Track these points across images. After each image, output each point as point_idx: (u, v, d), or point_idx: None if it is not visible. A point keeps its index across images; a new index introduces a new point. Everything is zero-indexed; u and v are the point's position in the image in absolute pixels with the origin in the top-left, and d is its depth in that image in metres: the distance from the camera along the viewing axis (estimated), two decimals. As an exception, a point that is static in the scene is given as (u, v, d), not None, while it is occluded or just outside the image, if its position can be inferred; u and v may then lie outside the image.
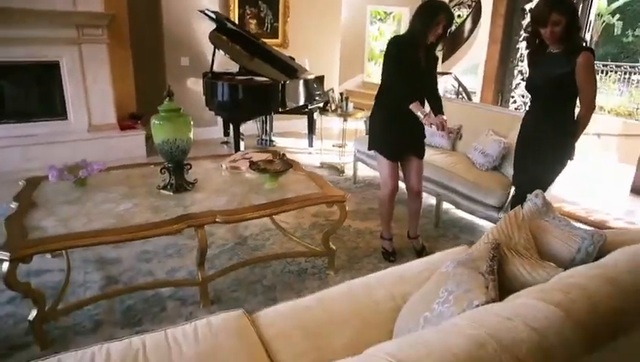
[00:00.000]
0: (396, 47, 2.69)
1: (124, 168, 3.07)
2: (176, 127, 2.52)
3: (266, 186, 2.69)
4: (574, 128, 2.46)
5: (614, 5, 12.03)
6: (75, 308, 2.29)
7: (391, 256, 3.02)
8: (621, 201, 4.36)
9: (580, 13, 4.56)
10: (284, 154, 2.92)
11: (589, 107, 2.39)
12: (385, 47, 2.74)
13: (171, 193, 2.60)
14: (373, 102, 2.92)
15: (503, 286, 1.32)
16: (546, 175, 2.60)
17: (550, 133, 2.52)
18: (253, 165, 2.72)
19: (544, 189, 2.60)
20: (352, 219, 3.61)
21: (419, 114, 2.61)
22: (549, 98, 2.50)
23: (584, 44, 2.42)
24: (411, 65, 2.68)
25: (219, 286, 2.64)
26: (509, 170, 3.14)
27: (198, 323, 1.54)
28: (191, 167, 2.72)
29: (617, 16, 12.12)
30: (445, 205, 3.62)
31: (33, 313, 2.05)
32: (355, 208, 3.87)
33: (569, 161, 2.55)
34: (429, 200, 3.75)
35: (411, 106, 2.62)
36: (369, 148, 2.98)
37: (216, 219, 2.30)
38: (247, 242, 3.23)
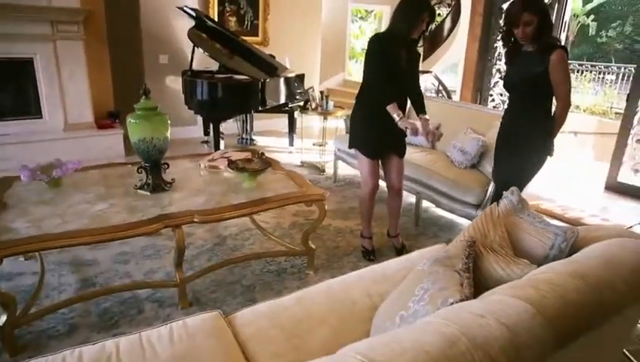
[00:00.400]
0: (378, 44, 2.67)
1: (101, 168, 3.00)
2: (153, 126, 2.48)
3: (245, 185, 2.67)
4: (551, 125, 2.49)
5: (589, 6, 12.29)
6: (48, 312, 2.23)
7: (371, 255, 3.03)
8: (596, 198, 4.46)
9: (555, 13, 4.65)
10: (262, 153, 2.91)
11: (565, 104, 2.42)
12: (366, 44, 2.73)
13: (148, 193, 2.56)
14: (354, 101, 2.92)
15: (479, 283, 1.33)
16: (523, 171, 2.62)
17: (527, 129, 2.55)
18: (232, 164, 2.69)
19: (522, 185, 2.65)
20: (332, 218, 3.61)
21: (394, 116, 2.61)
22: (526, 95, 2.53)
23: (558, 43, 2.43)
24: (393, 63, 2.67)
25: (197, 287, 2.61)
26: (488, 168, 3.19)
27: (173, 324, 1.52)
28: (168, 167, 2.68)
29: (592, 17, 12.40)
30: (425, 203, 3.65)
31: (3, 318, 2.00)
32: (336, 207, 3.87)
33: (548, 157, 2.58)
34: (408, 198, 3.77)
35: (388, 108, 2.62)
36: (350, 147, 2.97)
37: (194, 219, 2.27)
38: (227, 242, 3.20)
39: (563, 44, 2.49)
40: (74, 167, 2.68)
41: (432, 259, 1.38)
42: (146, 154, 2.52)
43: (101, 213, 2.31)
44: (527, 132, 2.56)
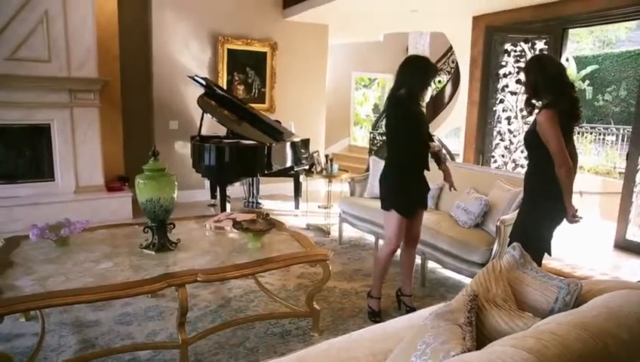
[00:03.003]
0: (406, 106, 2.76)
1: (108, 228, 3.06)
2: (160, 187, 2.55)
3: (250, 246, 2.69)
4: (553, 187, 2.42)
5: (583, 72, 12.76)
6: (45, 375, 2.19)
7: (377, 316, 2.96)
8: (606, 257, 4.39)
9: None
10: (267, 214, 2.94)
11: (559, 162, 2.34)
12: (390, 107, 2.83)
13: (153, 252, 2.58)
14: (385, 165, 2.95)
15: (482, 336, 1.31)
16: (530, 231, 2.55)
17: (527, 191, 2.59)
18: (237, 224, 2.73)
19: (529, 243, 2.60)
20: (337, 280, 3.57)
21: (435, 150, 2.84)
22: (529, 157, 2.60)
23: (553, 102, 2.40)
24: (423, 123, 2.85)
25: (200, 349, 2.56)
26: (492, 227, 3.19)
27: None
28: (174, 227, 2.72)
29: (587, 82, 12.83)
30: (432, 264, 3.61)
31: (0, 379, 1.96)
32: (341, 269, 3.84)
33: (558, 220, 2.50)
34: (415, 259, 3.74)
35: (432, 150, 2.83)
36: (385, 208, 2.88)
37: (198, 278, 2.27)
38: (231, 304, 3.16)
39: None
40: (82, 227, 2.73)
41: (433, 313, 1.36)
42: (152, 214, 2.57)
43: (105, 272, 2.32)
44: (528, 194, 2.59)
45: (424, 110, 2.92)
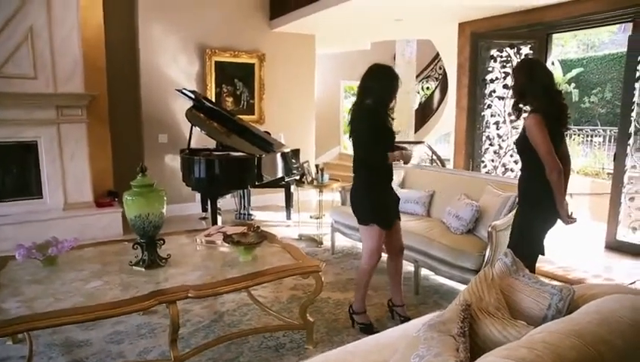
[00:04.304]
0: (373, 118, 2.73)
1: (97, 245, 3.01)
2: (149, 202, 2.52)
3: (241, 259, 2.66)
4: (545, 190, 2.43)
5: (569, 75, 12.93)
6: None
7: (371, 329, 2.90)
8: (598, 258, 4.41)
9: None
10: (258, 227, 2.92)
11: (549, 166, 2.36)
12: (359, 121, 2.75)
13: (143, 269, 2.55)
14: (354, 180, 2.90)
15: (476, 347, 1.30)
16: (525, 233, 2.59)
17: (527, 193, 2.58)
18: (227, 238, 2.70)
19: (525, 245, 2.57)
20: (331, 291, 3.55)
21: (397, 157, 2.75)
22: (522, 160, 2.62)
23: (541, 107, 2.42)
24: (391, 131, 2.83)
25: (193, 366, 2.51)
26: (483, 233, 3.19)
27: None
28: (164, 242, 2.69)
29: (573, 85, 13.00)
30: (425, 271, 3.60)
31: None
32: (334, 279, 3.81)
33: (551, 222, 2.53)
34: (407, 267, 3.72)
35: (394, 158, 2.75)
36: (363, 223, 2.83)
37: (189, 294, 2.24)
38: (224, 318, 3.12)
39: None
40: (70, 245, 2.68)
41: (426, 324, 1.35)
42: (141, 230, 2.54)
43: (94, 291, 2.29)
44: (522, 198, 2.62)
45: (392, 120, 2.88)
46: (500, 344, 1.24)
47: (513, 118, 2.70)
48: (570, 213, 2.52)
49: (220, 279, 2.41)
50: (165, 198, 2.63)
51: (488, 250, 2.99)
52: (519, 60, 4.53)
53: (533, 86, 2.44)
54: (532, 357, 0.92)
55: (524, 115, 2.55)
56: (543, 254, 2.65)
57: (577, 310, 1.31)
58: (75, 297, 2.20)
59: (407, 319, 2.98)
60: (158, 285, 2.35)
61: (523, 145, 2.47)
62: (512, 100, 2.60)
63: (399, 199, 3.05)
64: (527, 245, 2.55)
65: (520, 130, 2.58)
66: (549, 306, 1.43)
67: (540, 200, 2.48)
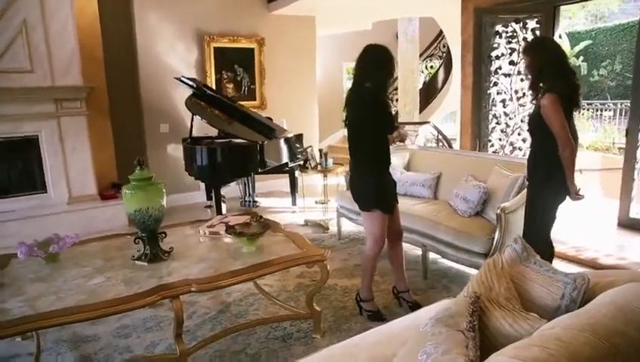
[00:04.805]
0: (378, 101, 2.66)
1: (100, 240, 2.98)
2: (148, 196, 2.47)
3: (244, 250, 2.62)
4: (555, 167, 2.50)
5: (577, 48, 12.63)
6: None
7: (379, 316, 2.87)
8: (610, 236, 4.32)
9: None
10: (261, 216, 2.87)
11: (563, 143, 2.43)
12: (359, 105, 2.68)
13: (146, 263, 2.51)
14: (352, 166, 2.87)
15: (487, 340, 1.25)
16: (533, 211, 2.67)
17: (531, 172, 2.66)
18: (230, 229, 2.65)
19: (532, 229, 2.68)
20: (338, 278, 3.51)
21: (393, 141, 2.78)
22: (533, 139, 2.67)
23: (556, 86, 2.44)
24: (391, 114, 2.78)
25: (200, 359, 2.50)
26: (492, 215, 3.12)
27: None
28: (166, 236, 2.65)
29: (581, 58, 12.71)
30: (433, 255, 3.55)
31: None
32: (341, 265, 3.77)
33: (561, 198, 2.60)
34: (414, 251, 3.68)
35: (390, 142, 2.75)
36: (364, 209, 2.78)
37: (191, 289, 2.21)
38: (230, 309, 3.10)
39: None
40: (72, 241, 2.65)
41: (433, 318, 1.30)
42: (142, 224, 2.50)
43: (97, 288, 2.26)
44: (531, 175, 2.67)
45: (395, 102, 2.86)
46: (511, 338, 1.19)
47: (529, 96, 2.79)
48: (578, 190, 2.58)
49: (223, 271, 2.37)
50: (165, 191, 2.58)
51: (497, 232, 2.92)
52: (532, 39, 4.39)
53: (551, 63, 2.48)
54: (545, 356, 0.87)
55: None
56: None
57: (592, 301, 1.24)
58: (78, 295, 2.17)
59: (414, 304, 2.97)
60: (161, 279, 2.31)
61: (537, 123, 2.51)
62: (529, 80, 2.63)
63: (396, 183, 2.99)
64: (539, 221, 2.64)
65: (533, 109, 2.64)
66: (562, 296, 1.36)
67: (550, 175, 2.54)
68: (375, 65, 2.64)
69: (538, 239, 2.67)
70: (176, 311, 2.19)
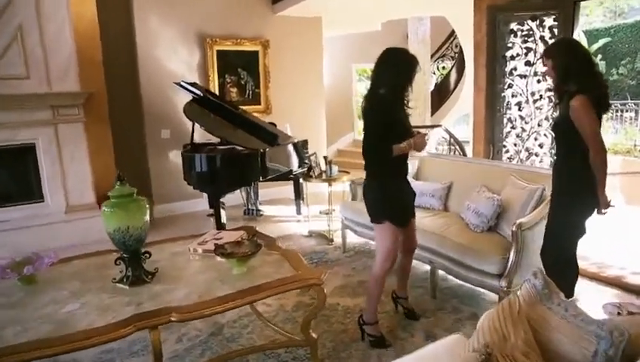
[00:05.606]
0: (389, 110, 2.50)
1: (83, 258, 2.78)
2: (129, 214, 2.26)
3: (235, 272, 2.39)
4: (584, 178, 2.31)
5: (595, 46, 12.20)
6: None
7: (382, 342, 2.64)
8: (637, 250, 4.00)
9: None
10: (254, 234, 2.65)
11: (595, 148, 2.24)
12: (371, 112, 2.51)
13: (127, 287, 2.30)
14: (365, 175, 2.68)
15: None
16: (558, 225, 2.46)
17: (564, 179, 2.43)
18: (219, 249, 2.44)
19: (555, 245, 2.47)
20: (340, 296, 3.28)
21: (406, 149, 2.52)
22: (559, 145, 2.48)
23: (585, 88, 2.26)
24: (406, 125, 2.61)
25: (185, 391, 2.29)
26: (507, 231, 2.85)
27: None
28: (150, 256, 2.44)
29: (599, 56, 12.27)
30: (442, 272, 3.29)
31: None
32: (344, 282, 3.54)
33: (589, 212, 2.40)
34: (423, 267, 3.43)
35: (402, 150, 2.51)
36: (376, 222, 2.59)
37: (171, 319, 1.99)
38: (223, 331, 2.89)
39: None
40: (49, 262, 2.47)
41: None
42: (122, 245, 2.29)
43: (69, 316, 2.06)
44: (557, 184, 2.46)
45: (410, 110, 2.61)
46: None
47: (554, 100, 2.61)
48: (609, 201, 2.37)
49: (209, 297, 2.15)
50: (148, 207, 2.38)
51: (513, 252, 2.65)
52: (554, 40, 4.12)
53: (579, 62, 2.31)
54: None
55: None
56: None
57: (635, 364, 0.99)
58: (47, 324, 1.97)
59: (410, 311, 2.93)
60: (140, 307, 2.10)
61: (564, 128, 2.31)
62: (554, 83, 2.45)
63: (415, 194, 2.80)
64: (564, 239, 2.45)
65: (559, 113, 2.45)
66: (595, 353, 1.11)
67: (579, 187, 2.34)
68: (391, 70, 2.48)
69: (560, 258, 2.44)
70: (154, 343, 1.99)
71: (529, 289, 1.42)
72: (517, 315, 1.28)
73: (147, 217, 2.36)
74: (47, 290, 2.32)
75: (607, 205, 2.37)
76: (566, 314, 1.27)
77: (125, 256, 2.34)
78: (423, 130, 2.89)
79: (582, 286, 3.01)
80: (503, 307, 1.33)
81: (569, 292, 2.45)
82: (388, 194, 2.58)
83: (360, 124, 10.14)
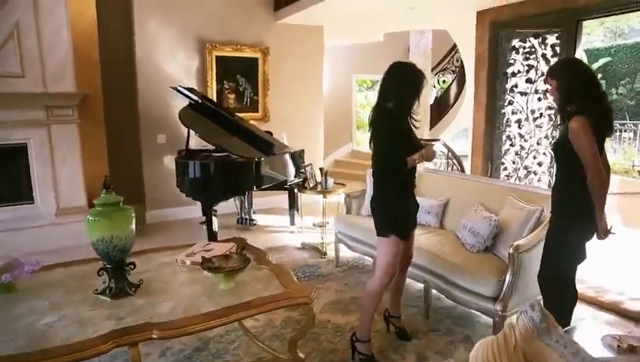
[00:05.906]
0: (395, 124, 2.48)
1: (67, 266, 2.70)
2: (114, 224, 2.19)
3: (222, 287, 2.31)
4: (584, 201, 2.25)
5: (595, 65, 12.22)
6: None
7: (375, 360, 2.58)
8: (636, 274, 3.93)
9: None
10: (244, 247, 2.57)
11: (592, 171, 2.18)
12: (379, 125, 2.50)
13: (109, 299, 2.22)
14: (374, 188, 2.67)
15: None
16: (557, 249, 2.38)
17: (563, 201, 2.37)
18: (205, 263, 2.36)
19: (552, 271, 2.38)
20: (331, 313, 3.19)
21: (419, 160, 2.53)
22: (559, 166, 2.43)
23: (584, 109, 2.21)
24: (412, 137, 2.60)
25: (165, 410, 2.20)
26: (504, 252, 2.79)
27: None
28: (135, 267, 2.36)
29: (600, 75, 12.29)
30: (436, 291, 3.21)
31: None
32: (336, 298, 3.45)
33: (588, 236, 2.34)
34: (416, 285, 3.35)
35: (415, 162, 2.52)
36: (382, 235, 2.54)
37: (152, 336, 1.91)
38: (209, 346, 2.80)
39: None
40: (29, 270, 2.38)
41: None
42: (106, 255, 2.21)
43: (46, 329, 1.97)
44: (556, 206, 2.40)
45: (416, 124, 2.59)
46: None
47: (555, 120, 2.56)
48: (609, 228, 2.32)
49: (193, 313, 2.07)
50: (134, 216, 2.30)
51: (509, 274, 2.58)
52: (558, 60, 4.09)
53: (582, 81, 2.25)
54: None
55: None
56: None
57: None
58: (21, 338, 1.89)
59: (403, 331, 2.87)
60: (120, 322, 2.02)
61: (564, 149, 2.25)
62: (557, 104, 2.41)
63: (419, 206, 2.79)
64: (563, 257, 2.37)
65: (559, 133, 2.43)
66: (595, 398, 1.04)
67: (578, 212, 2.28)
68: (398, 84, 2.47)
69: (558, 282, 2.37)
70: (134, 359, 1.90)
71: (526, 322, 1.35)
72: (513, 350, 1.21)
73: (133, 226, 2.28)
74: (26, 300, 2.23)
75: (607, 232, 2.31)
76: (565, 352, 1.20)
77: (109, 266, 2.26)
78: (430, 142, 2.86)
79: (580, 311, 2.94)
80: (498, 340, 1.26)
81: (567, 318, 2.38)
82: (396, 207, 2.57)
83: (359, 135, 10.12)
